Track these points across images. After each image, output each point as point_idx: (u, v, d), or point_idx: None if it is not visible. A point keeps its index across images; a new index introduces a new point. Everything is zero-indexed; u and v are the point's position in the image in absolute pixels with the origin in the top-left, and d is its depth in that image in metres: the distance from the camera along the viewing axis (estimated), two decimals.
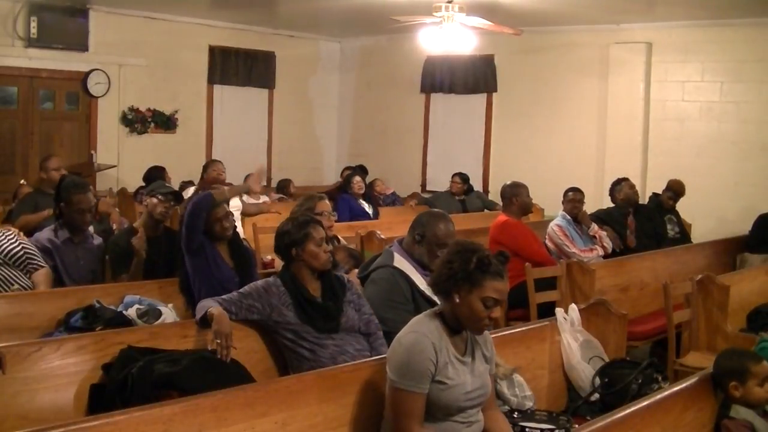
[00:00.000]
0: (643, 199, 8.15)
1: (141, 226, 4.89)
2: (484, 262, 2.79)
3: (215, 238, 4.28)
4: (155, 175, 8.29)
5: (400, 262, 3.96)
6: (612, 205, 7.43)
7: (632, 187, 7.37)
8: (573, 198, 6.65)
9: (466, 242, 2.94)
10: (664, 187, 7.85)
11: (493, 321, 2.86)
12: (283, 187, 10.39)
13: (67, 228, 4.84)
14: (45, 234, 4.84)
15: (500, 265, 2.83)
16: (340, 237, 5.50)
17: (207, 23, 10.62)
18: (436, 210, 4.35)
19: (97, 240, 5.05)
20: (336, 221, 7.39)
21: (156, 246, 4.81)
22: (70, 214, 4.82)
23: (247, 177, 9.48)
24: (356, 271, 4.62)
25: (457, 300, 2.80)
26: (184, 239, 4.23)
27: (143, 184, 8.35)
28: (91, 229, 5.07)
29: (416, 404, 2.74)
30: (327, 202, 5.02)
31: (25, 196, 6.22)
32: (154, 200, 4.91)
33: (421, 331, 2.80)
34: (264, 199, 8.58)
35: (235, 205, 6.71)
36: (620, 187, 7.36)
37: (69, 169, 7.07)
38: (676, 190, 7.68)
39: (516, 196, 6.14)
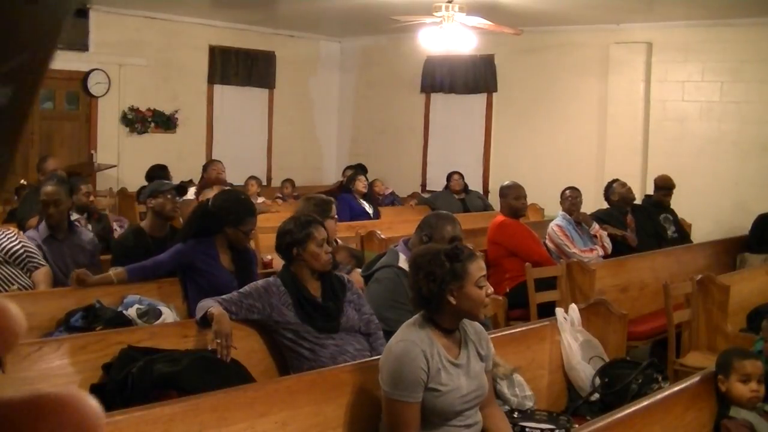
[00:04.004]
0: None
1: (147, 228, 4.87)
2: (453, 253, 2.82)
3: (230, 243, 4.26)
4: (158, 173, 8.26)
5: (405, 263, 3.96)
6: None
7: (624, 185, 7.34)
8: (570, 196, 6.64)
9: (422, 250, 2.99)
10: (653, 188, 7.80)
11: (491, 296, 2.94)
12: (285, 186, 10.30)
13: (47, 225, 4.81)
14: (30, 233, 4.85)
15: (465, 247, 2.91)
16: (338, 239, 5.47)
17: (207, 23, 10.61)
18: (444, 212, 4.34)
19: (88, 236, 5.03)
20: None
21: (162, 247, 4.79)
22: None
23: (248, 180, 9.43)
24: (358, 270, 4.61)
25: (454, 301, 2.78)
26: None
27: (146, 183, 8.33)
28: (89, 227, 5.05)
29: (410, 414, 2.73)
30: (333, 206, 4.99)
31: (28, 195, 6.22)
32: (160, 199, 4.86)
33: (410, 339, 2.78)
34: (261, 199, 8.58)
35: None
36: (612, 189, 7.36)
37: (69, 170, 7.08)
38: (666, 185, 7.62)
39: (503, 198, 6.18)
